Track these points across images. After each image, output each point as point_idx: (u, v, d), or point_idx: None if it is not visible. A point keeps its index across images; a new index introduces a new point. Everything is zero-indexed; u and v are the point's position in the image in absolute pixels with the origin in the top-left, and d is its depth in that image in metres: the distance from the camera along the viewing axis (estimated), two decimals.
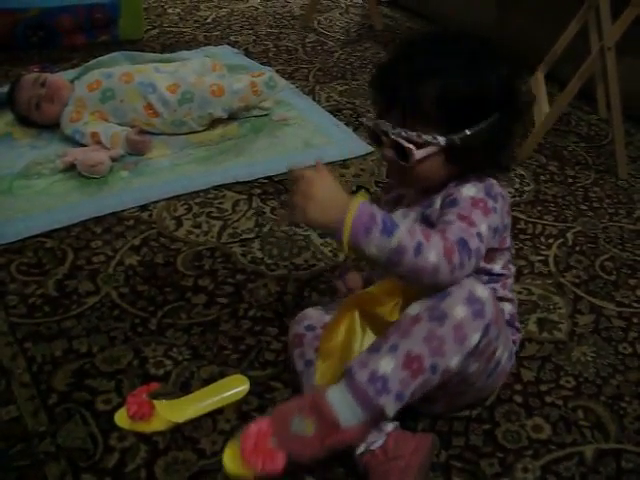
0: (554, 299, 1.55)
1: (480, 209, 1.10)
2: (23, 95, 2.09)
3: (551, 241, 1.75)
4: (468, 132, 1.09)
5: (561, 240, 1.76)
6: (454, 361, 1.04)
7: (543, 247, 1.72)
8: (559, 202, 1.92)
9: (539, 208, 1.88)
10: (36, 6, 2.62)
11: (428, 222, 1.14)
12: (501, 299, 1.21)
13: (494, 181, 1.15)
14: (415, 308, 1.06)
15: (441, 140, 1.09)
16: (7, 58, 2.59)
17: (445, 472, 1.16)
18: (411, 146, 1.09)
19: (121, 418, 1.21)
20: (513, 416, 1.26)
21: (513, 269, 1.26)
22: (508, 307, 1.24)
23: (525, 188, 1.97)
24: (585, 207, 1.90)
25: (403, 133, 1.09)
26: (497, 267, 1.20)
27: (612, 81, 2.00)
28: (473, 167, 1.14)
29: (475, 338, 1.05)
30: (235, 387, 1.28)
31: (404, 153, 1.10)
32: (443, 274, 1.02)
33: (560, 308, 1.53)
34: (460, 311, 1.04)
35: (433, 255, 1.00)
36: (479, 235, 1.07)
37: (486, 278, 1.19)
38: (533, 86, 2.30)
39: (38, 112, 2.09)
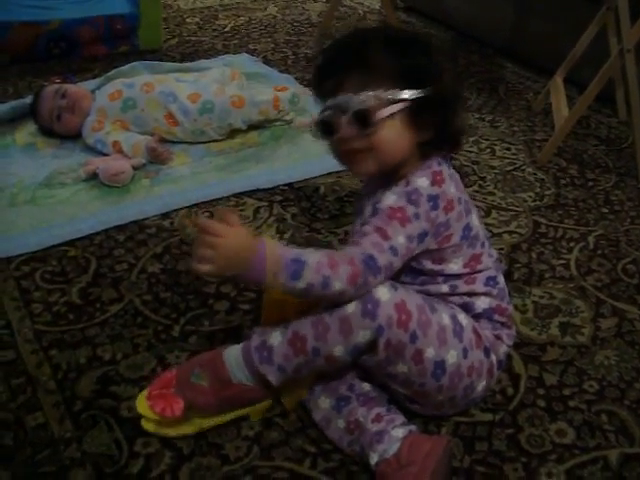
0: (576, 303, 1.55)
1: (397, 220, 1.12)
2: (44, 107, 2.11)
3: (572, 245, 1.74)
4: (421, 91, 1.11)
5: (582, 244, 1.75)
6: (337, 350, 1.11)
7: (564, 251, 1.72)
8: (580, 206, 1.91)
9: (560, 212, 1.88)
10: (57, 18, 2.66)
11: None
12: (469, 294, 1.22)
13: (422, 182, 1.15)
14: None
15: (397, 94, 1.11)
16: (30, 69, 2.63)
17: (468, 477, 1.15)
18: (374, 106, 1.10)
19: (147, 423, 1.22)
20: (536, 420, 1.26)
21: (488, 262, 1.24)
22: (482, 301, 1.23)
23: (545, 192, 1.97)
24: (606, 210, 1.89)
25: (362, 96, 1.10)
26: (454, 266, 1.20)
27: (632, 83, 1.99)
28: (431, 136, 1.15)
29: (363, 335, 1.10)
30: None
31: (367, 117, 1.10)
32: (348, 295, 1.09)
33: (582, 312, 1.52)
34: (351, 306, 1.09)
35: (338, 285, 1.06)
36: (392, 249, 1.10)
37: (441, 279, 1.21)
38: (552, 90, 2.30)
39: (59, 123, 2.11)
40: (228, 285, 1.57)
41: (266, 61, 2.77)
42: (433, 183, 1.15)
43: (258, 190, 1.92)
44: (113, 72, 2.31)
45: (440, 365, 1.14)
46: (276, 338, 1.14)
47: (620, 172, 2.09)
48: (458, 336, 1.16)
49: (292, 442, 1.21)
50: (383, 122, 1.11)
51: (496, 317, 1.25)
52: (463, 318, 1.19)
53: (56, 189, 1.90)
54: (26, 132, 2.18)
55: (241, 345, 1.19)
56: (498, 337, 1.25)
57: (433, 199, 1.14)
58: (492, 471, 1.17)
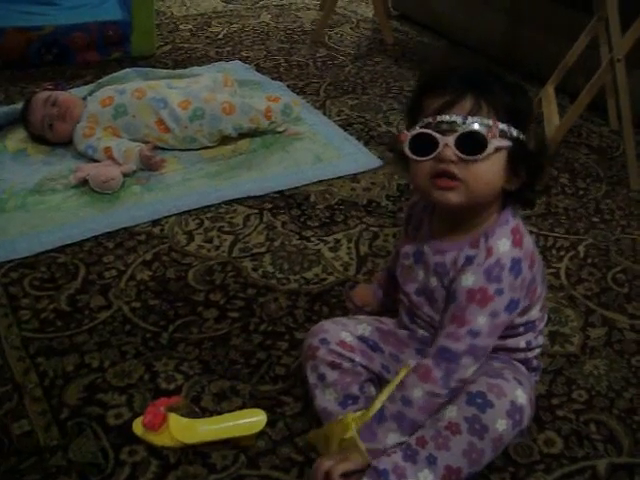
0: (566, 312, 1.55)
1: (475, 302, 1.09)
2: (35, 116, 2.10)
3: (562, 254, 1.74)
4: (523, 136, 1.08)
5: (573, 252, 1.75)
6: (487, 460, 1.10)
7: (554, 260, 1.72)
8: (570, 214, 1.91)
9: (550, 221, 1.88)
10: (50, 24, 2.65)
11: (437, 274, 1.16)
12: (533, 349, 1.22)
13: (504, 246, 1.10)
14: (452, 411, 1.09)
15: (513, 131, 1.06)
16: (22, 76, 2.62)
17: None
18: (487, 132, 1.04)
19: (137, 425, 1.21)
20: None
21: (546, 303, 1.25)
22: (536, 351, 1.24)
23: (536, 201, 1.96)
24: (597, 219, 1.90)
25: (478, 120, 1.04)
26: (534, 313, 1.19)
27: (622, 93, 2.00)
28: (518, 186, 1.11)
29: (510, 439, 1.11)
30: (251, 417, 1.23)
31: (478, 142, 1.04)
32: (440, 392, 1.10)
33: (572, 321, 1.52)
34: (501, 424, 1.08)
35: (419, 392, 1.10)
36: (471, 332, 1.09)
37: (522, 329, 1.19)
38: (543, 99, 2.30)
39: (51, 131, 2.10)
40: (217, 293, 1.57)
41: (259, 68, 2.77)
42: (515, 244, 1.11)
43: (249, 197, 1.92)
44: (105, 78, 2.31)
45: None
46: (426, 478, 1.06)
47: (611, 181, 2.09)
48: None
49: (279, 451, 1.21)
50: (490, 154, 1.05)
51: (541, 366, 1.28)
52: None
53: (47, 195, 1.90)
54: (17, 138, 2.17)
55: None
56: (536, 382, 1.28)
57: (517, 263, 1.10)
58: None
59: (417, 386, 1.10)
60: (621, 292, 1.62)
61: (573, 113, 2.06)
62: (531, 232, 1.78)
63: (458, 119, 1.04)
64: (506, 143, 1.06)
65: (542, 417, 1.28)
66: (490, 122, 1.04)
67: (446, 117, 1.05)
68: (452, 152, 1.05)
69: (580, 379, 1.37)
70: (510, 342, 1.19)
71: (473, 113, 1.04)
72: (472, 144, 1.04)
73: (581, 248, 1.77)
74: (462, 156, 1.04)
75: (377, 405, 1.13)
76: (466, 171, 1.05)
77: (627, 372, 1.39)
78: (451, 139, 1.04)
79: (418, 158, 1.08)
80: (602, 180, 2.10)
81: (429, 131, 1.06)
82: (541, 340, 1.24)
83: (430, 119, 1.06)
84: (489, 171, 1.06)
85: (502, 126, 1.05)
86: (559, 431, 1.26)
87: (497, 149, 1.05)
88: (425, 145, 1.06)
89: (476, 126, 1.04)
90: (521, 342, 1.20)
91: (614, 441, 1.25)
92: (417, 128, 1.08)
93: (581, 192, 2.03)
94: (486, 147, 1.04)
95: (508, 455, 1.21)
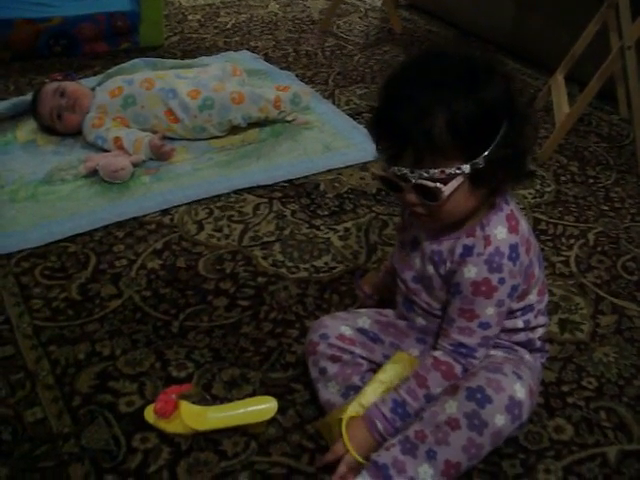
0: (575, 300, 1.55)
1: (482, 295, 1.11)
2: (44, 107, 2.11)
3: (572, 242, 1.74)
4: (487, 152, 1.03)
5: (582, 241, 1.75)
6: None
7: (564, 248, 1.72)
8: (580, 203, 1.91)
9: (560, 209, 1.87)
10: (58, 15, 2.66)
11: (433, 262, 1.16)
12: (534, 328, 1.22)
13: (500, 233, 1.10)
14: (452, 407, 1.09)
15: (465, 168, 1.03)
16: (31, 67, 2.63)
17: (467, 473, 1.15)
18: (438, 184, 1.03)
19: (149, 412, 1.22)
20: (535, 417, 1.25)
21: (546, 283, 1.24)
22: (540, 331, 1.24)
23: (546, 189, 1.96)
24: (606, 207, 1.89)
25: (425, 173, 1.03)
26: (532, 297, 1.19)
27: (632, 80, 1.99)
28: (498, 186, 1.10)
29: (509, 432, 1.12)
30: (262, 404, 1.24)
31: (431, 193, 1.05)
32: (459, 377, 1.14)
33: (582, 309, 1.52)
34: (500, 419, 1.09)
35: (438, 389, 1.13)
36: (482, 324, 1.13)
37: (520, 312, 1.19)
38: (553, 87, 2.29)
39: (60, 122, 2.11)
40: (227, 281, 1.57)
41: (267, 58, 2.77)
42: (511, 230, 1.11)
43: (258, 186, 1.92)
44: (114, 69, 2.32)
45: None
46: (426, 473, 1.06)
47: (621, 169, 2.09)
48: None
49: (290, 438, 1.21)
50: (447, 197, 1.05)
51: (545, 347, 1.28)
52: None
53: (56, 185, 1.91)
54: (27, 129, 2.18)
55: None
56: (542, 364, 1.28)
57: (514, 249, 1.10)
58: (490, 468, 1.17)
59: (442, 384, 1.13)
60: (631, 280, 1.61)
61: (582, 101, 2.05)
62: (540, 220, 1.79)
63: (407, 171, 1.04)
64: (460, 181, 1.04)
65: (552, 404, 1.29)
66: (436, 172, 1.02)
67: (396, 169, 1.06)
68: (414, 197, 1.07)
69: (590, 367, 1.37)
70: (508, 323, 1.19)
71: (418, 166, 1.03)
72: (427, 193, 1.05)
73: (591, 236, 1.76)
74: (423, 202, 1.07)
75: (368, 392, 1.15)
76: (432, 209, 1.08)
77: (637, 360, 1.39)
78: (409, 186, 1.06)
79: (390, 193, 1.12)
80: (612, 168, 2.09)
81: (390, 177, 1.08)
82: (542, 320, 1.23)
83: (390, 167, 1.07)
84: (454, 203, 1.07)
85: (450, 171, 1.02)
86: (569, 418, 1.26)
87: (454, 189, 1.04)
88: (392, 184, 1.09)
89: (422, 181, 1.04)
90: (519, 322, 1.20)
91: (624, 428, 1.25)
92: (380, 169, 1.10)
93: (591, 180, 2.02)
94: (441, 194, 1.04)
95: (518, 442, 1.21)
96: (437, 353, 1.16)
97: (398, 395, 1.13)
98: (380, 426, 1.11)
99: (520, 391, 1.11)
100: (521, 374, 1.14)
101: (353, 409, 1.14)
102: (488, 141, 1.03)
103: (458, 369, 1.14)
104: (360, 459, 1.10)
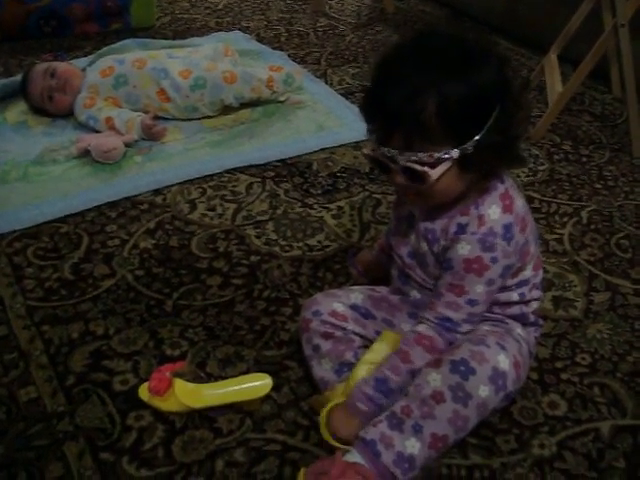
0: (569, 277, 1.55)
1: (473, 272, 1.10)
2: (35, 88, 2.09)
3: (566, 220, 1.74)
4: (477, 137, 1.03)
5: (576, 219, 1.75)
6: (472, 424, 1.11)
7: (558, 226, 1.72)
8: (573, 181, 1.91)
9: (553, 187, 1.87)
10: None
11: (427, 240, 1.16)
12: (528, 302, 1.22)
13: (494, 213, 1.10)
14: (436, 380, 1.08)
15: (454, 153, 1.03)
16: (21, 48, 2.61)
17: (461, 449, 1.15)
18: (425, 168, 1.03)
19: (143, 390, 1.21)
20: (529, 393, 1.26)
21: (540, 256, 1.24)
22: (534, 305, 1.24)
23: (539, 167, 1.96)
24: (600, 186, 1.89)
25: (413, 157, 1.03)
26: (527, 272, 1.19)
27: (626, 59, 1.98)
28: (488, 170, 1.10)
29: (494, 403, 1.12)
30: (257, 381, 1.23)
31: (419, 176, 1.05)
32: (442, 350, 1.14)
33: (575, 286, 1.52)
34: (484, 390, 1.09)
35: (421, 363, 1.12)
36: (470, 301, 1.12)
37: (515, 287, 1.19)
38: (546, 66, 2.28)
39: (51, 103, 2.09)
40: (220, 260, 1.57)
41: (259, 39, 2.75)
42: (505, 210, 1.10)
43: (251, 166, 1.91)
44: (105, 49, 2.29)
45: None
46: (413, 447, 1.05)
47: (614, 148, 2.09)
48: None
49: (284, 415, 1.21)
50: (435, 180, 1.05)
51: (539, 321, 1.27)
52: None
53: (48, 166, 1.90)
54: (17, 110, 2.17)
55: (368, 464, 1.05)
56: (536, 338, 1.27)
57: (508, 230, 1.10)
58: (485, 443, 1.17)
59: (425, 358, 1.12)
60: (624, 257, 1.62)
61: (576, 80, 2.04)
62: (533, 198, 1.79)
63: (395, 153, 1.04)
64: (448, 165, 1.04)
65: (546, 380, 1.29)
66: (425, 156, 1.02)
67: (385, 150, 1.06)
68: (402, 179, 1.07)
69: (583, 343, 1.38)
70: (502, 296, 1.19)
71: (407, 149, 1.03)
72: (414, 175, 1.05)
73: (584, 214, 1.76)
74: (410, 184, 1.07)
75: (357, 374, 1.15)
76: (421, 190, 1.08)
77: (630, 336, 1.40)
78: (398, 167, 1.06)
79: (380, 173, 1.13)
80: (605, 147, 2.09)
81: (379, 157, 1.08)
82: (536, 294, 1.23)
83: (379, 147, 1.07)
84: (442, 186, 1.07)
85: (438, 155, 1.02)
86: (563, 394, 1.27)
87: (442, 173, 1.04)
88: (381, 164, 1.09)
89: (410, 164, 1.04)
90: (514, 295, 1.20)
91: (618, 404, 1.25)
92: (370, 149, 1.09)
93: (584, 159, 2.02)
94: (428, 178, 1.04)
95: (512, 417, 1.21)
96: (420, 327, 1.15)
97: (381, 373, 1.13)
98: (363, 407, 1.12)
99: (504, 362, 1.11)
100: (505, 345, 1.14)
101: (341, 393, 1.15)
102: (479, 126, 1.03)
103: (441, 343, 1.14)
104: (338, 444, 1.10)
